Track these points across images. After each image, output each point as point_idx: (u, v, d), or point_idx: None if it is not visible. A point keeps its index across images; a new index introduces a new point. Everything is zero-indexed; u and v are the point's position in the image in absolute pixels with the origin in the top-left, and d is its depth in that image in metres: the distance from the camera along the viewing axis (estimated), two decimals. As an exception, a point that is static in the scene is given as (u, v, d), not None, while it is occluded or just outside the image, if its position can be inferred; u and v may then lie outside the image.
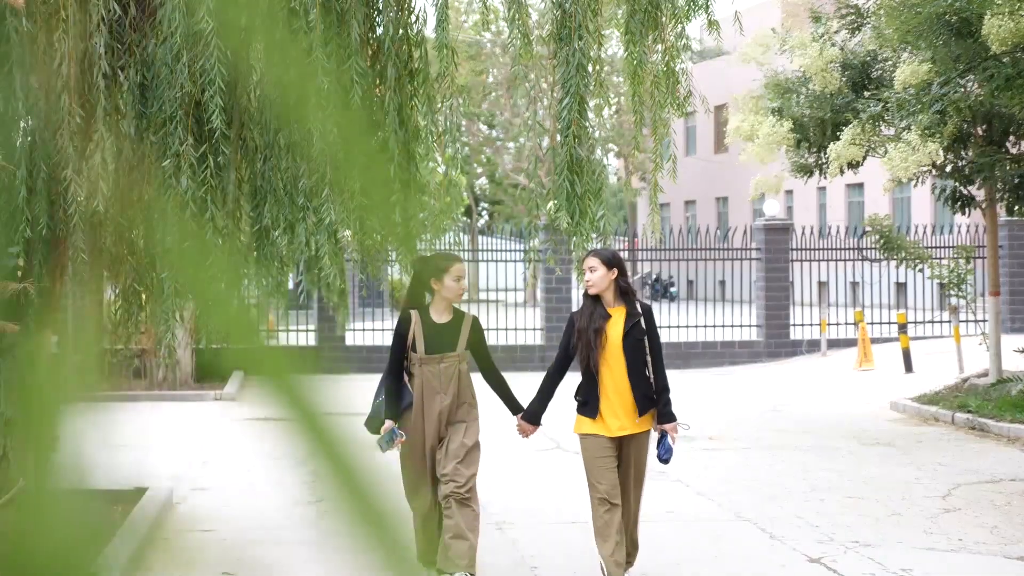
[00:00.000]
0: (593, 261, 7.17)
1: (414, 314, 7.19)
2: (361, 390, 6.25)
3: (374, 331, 23.90)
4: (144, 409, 16.83)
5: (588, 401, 7.11)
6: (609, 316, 7.09)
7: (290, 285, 10.02)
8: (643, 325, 7.14)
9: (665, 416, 7.16)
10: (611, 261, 7.17)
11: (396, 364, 7.22)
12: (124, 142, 7.03)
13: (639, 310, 7.16)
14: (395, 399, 7.14)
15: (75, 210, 6.74)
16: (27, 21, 6.65)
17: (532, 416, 7.31)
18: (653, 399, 7.13)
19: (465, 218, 48.45)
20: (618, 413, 7.08)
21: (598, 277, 7.11)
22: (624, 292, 7.16)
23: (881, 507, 9.87)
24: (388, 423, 7.07)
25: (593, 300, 7.14)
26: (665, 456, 7.14)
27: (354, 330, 23.62)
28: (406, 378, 7.25)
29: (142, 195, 7.47)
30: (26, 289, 7.06)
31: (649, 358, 7.12)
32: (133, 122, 7.04)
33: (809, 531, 9.01)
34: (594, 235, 7.94)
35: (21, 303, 7.18)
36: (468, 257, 28.01)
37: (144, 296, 8.00)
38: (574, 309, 9.12)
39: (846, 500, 10.18)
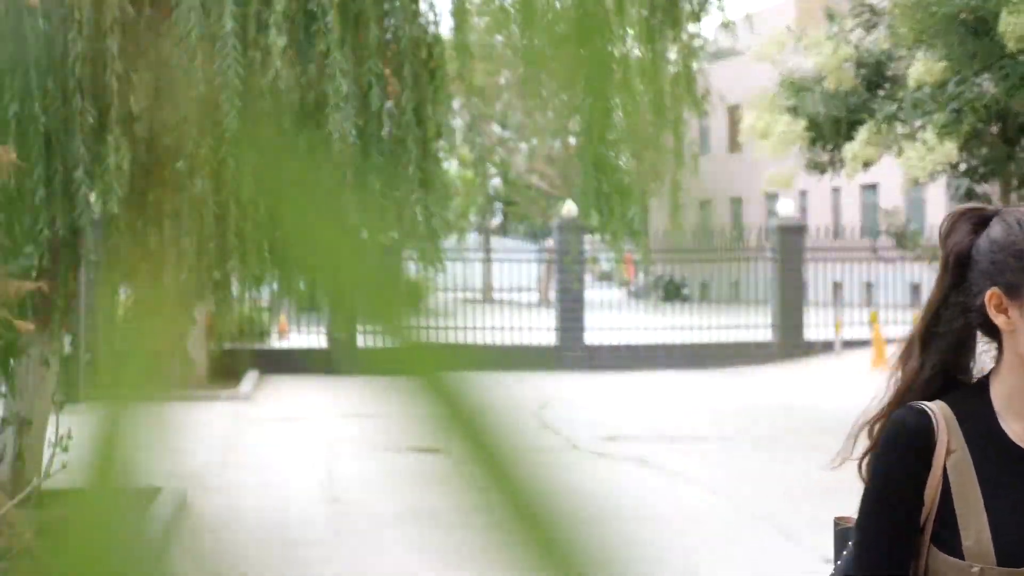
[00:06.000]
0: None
1: (939, 419, 1.95)
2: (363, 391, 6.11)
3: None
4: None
5: None
6: None
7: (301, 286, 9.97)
8: None
9: None
10: None
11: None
12: (137, 145, 7.03)
13: None
14: None
15: (87, 211, 6.74)
16: (43, 21, 6.66)
17: None
18: None
19: (479, 218, 48.48)
20: None
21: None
22: None
23: (898, 507, 9.82)
24: None
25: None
26: None
27: (366, 332, 23.57)
28: None
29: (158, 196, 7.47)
30: (41, 289, 7.06)
31: None
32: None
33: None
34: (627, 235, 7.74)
35: (36, 303, 7.18)
36: (481, 257, 27.94)
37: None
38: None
39: (863, 500, 10.14)
